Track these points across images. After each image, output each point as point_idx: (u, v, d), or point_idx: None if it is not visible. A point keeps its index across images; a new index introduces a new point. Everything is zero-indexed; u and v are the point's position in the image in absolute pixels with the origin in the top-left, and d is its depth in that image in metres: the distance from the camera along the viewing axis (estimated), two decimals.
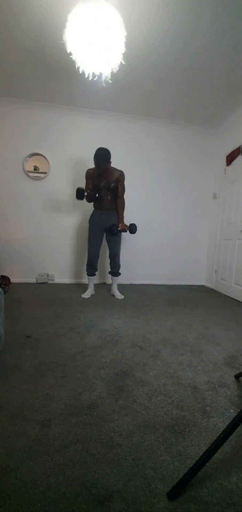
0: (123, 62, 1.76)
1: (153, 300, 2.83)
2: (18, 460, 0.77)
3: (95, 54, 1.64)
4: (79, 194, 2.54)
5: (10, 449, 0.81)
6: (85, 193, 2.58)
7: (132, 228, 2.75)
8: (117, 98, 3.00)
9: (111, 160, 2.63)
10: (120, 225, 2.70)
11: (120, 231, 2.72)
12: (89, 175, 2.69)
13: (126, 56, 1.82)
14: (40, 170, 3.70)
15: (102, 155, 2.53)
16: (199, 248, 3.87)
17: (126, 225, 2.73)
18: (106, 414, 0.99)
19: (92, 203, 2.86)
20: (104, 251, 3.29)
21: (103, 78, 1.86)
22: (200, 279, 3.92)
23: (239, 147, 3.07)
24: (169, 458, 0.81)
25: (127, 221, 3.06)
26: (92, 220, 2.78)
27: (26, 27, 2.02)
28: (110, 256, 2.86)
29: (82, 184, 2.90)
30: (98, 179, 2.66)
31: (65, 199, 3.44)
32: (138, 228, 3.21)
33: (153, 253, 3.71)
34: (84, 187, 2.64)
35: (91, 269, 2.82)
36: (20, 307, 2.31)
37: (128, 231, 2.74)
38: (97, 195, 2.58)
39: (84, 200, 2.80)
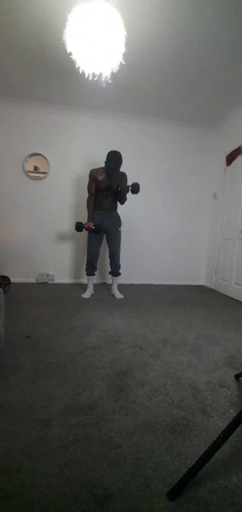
0: (123, 62, 1.76)
1: (153, 300, 2.83)
2: (18, 460, 0.77)
3: (95, 54, 1.64)
4: (78, 228, 2.71)
5: (10, 449, 0.81)
6: (84, 226, 2.70)
7: (134, 187, 2.54)
8: (117, 98, 3.00)
9: None
10: (121, 187, 2.69)
11: (121, 191, 2.69)
12: (93, 175, 2.71)
13: (126, 56, 1.82)
14: (40, 170, 3.70)
15: (119, 159, 2.59)
16: (199, 248, 3.86)
17: (128, 185, 2.60)
18: (106, 414, 0.99)
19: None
20: (105, 251, 3.29)
21: (103, 78, 1.86)
22: (200, 279, 3.92)
23: (239, 147, 3.06)
24: (169, 458, 0.81)
25: (128, 221, 3.05)
26: (93, 220, 2.78)
27: (26, 27, 2.02)
28: (110, 256, 2.86)
29: (83, 184, 2.91)
30: (102, 180, 2.67)
31: (65, 199, 3.44)
32: (138, 228, 3.21)
33: (153, 253, 3.71)
34: (82, 221, 2.81)
35: (91, 269, 2.82)
36: (20, 307, 2.31)
37: (130, 190, 2.57)
38: (93, 228, 2.68)
39: (85, 198, 2.82)
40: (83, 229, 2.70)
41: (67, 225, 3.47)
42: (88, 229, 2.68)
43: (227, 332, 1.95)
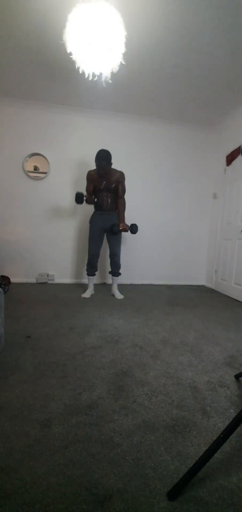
0: (123, 62, 1.76)
1: (153, 300, 2.83)
2: (18, 460, 0.77)
3: (95, 54, 1.63)
4: (79, 198, 2.59)
5: (10, 449, 0.81)
6: (85, 197, 2.60)
7: (133, 228, 2.76)
8: (117, 98, 2.99)
9: (111, 161, 2.66)
10: (121, 225, 2.70)
11: (121, 231, 2.73)
12: (90, 176, 2.71)
13: (126, 56, 1.82)
14: (40, 170, 3.71)
15: (104, 157, 2.57)
16: (199, 248, 3.86)
17: (127, 225, 2.73)
18: (106, 414, 0.99)
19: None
20: (105, 251, 3.29)
21: (103, 78, 1.86)
22: (200, 279, 3.92)
23: (239, 147, 3.06)
24: (169, 458, 0.81)
25: (127, 221, 3.06)
26: (93, 220, 2.78)
27: (26, 27, 2.02)
28: (110, 256, 2.86)
29: (83, 185, 2.91)
30: (99, 181, 2.67)
31: (66, 199, 3.44)
32: (138, 228, 3.21)
33: (153, 253, 3.71)
34: (83, 191, 2.67)
35: (92, 269, 2.82)
36: (20, 307, 2.31)
37: (129, 231, 2.75)
38: (95, 199, 2.59)
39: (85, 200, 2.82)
40: (84, 201, 2.62)
41: (67, 225, 3.47)
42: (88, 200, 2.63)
43: (227, 332, 1.95)
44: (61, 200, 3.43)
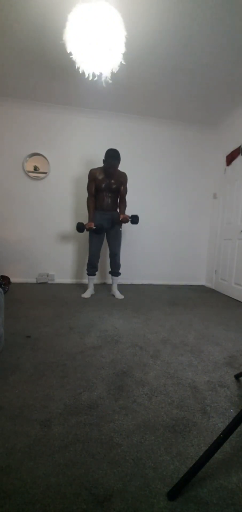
0: (123, 62, 1.76)
1: (153, 300, 2.83)
2: (18, 460, 0.77)
3: (95, 54, 1.63)
4: (80, 228, 2.68)
5: (10, 449, 0.81)
6: (85, 226, 2.67)
7: (134, 219, 2.71)
8: (117, 98, 2.99)
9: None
10: (121, 215, 2.69)
11: (121, 221, 2.70)
12: (92, 175, 2.70)
13: (125, 56, 1.82)
14: (40, 170, 3.70)
15: (116, 156, 2.61)
16: (199, 248, 3.86)
17: (127, 215, 2.70)
18: (106, 414, 0.99)
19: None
20: (105, 251, 3.29)
21: (103, 78, 1.86)
22: (200, 279, 3.92)
23: (239, 147, 3.06)
24: (169, 458, 0.81)
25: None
26: (94, 220, 2.78)
27: (26, 27, 2.02)
28: (110, 256, 2.86)
29: (83, 184, 2.91)
30: (102, 180, 2.67)
31: (66, 199, 3.44)
32: (138, 228, 3.22)
33: (153, 253, 3.71)
34: (83, 222, 2.76)
35: (92, 269, 2.82)
36: (20, 307, 2.31)
37: (129, 221, 2.71)
38: (94, 228, 2.65)
39: (85, 198, 2.82)
40: (85, 230, 2.69)
41: (68, 225, 3.47)
42: (89, 229, 2.67)
43: (227, 332, 1.95)
44: (61, 200, 3.42)
